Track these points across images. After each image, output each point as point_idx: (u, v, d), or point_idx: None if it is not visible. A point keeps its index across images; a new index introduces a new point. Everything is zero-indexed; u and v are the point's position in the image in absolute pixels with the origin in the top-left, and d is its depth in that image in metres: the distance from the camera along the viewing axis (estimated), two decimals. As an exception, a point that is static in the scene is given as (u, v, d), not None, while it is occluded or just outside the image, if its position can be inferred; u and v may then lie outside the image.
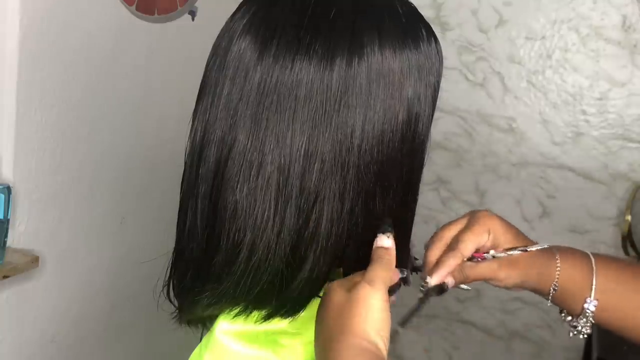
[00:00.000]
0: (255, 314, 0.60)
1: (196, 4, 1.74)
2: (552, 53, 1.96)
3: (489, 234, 0.70)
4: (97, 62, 1.46)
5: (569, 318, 0.77)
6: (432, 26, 0.61)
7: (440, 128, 2.06)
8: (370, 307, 0.54)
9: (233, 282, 0.57)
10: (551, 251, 0.74)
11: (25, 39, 1.27)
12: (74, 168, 1.45)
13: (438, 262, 0.69)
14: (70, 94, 1.40)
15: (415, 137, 0.59)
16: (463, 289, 0.73)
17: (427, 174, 0.63)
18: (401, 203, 0.61)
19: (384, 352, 0.54)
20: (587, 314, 0.74)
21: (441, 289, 0.69)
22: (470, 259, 0.70)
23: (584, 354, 1.96)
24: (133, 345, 1.80)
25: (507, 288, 0.74)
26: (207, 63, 0.59)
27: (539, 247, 0.71)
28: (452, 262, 0.68)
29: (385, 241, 0.58)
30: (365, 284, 0.55)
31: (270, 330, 0.61)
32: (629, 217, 1.81)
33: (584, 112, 1.95)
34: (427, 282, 0.68)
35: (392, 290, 0.60)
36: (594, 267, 0.74)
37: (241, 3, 0.60)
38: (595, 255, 0.75)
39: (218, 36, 0.59)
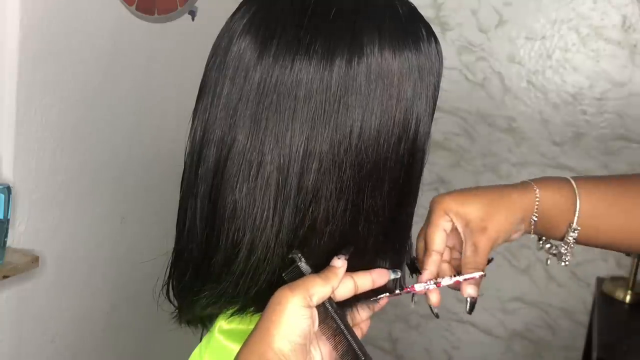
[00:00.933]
0: (254, 313, 0.60)
1: (196, 4, 1.74)
2: (552, 53, 1.96)
3: (449, 214, 0.69)
4: (97, 62, 1.46)
5: (548, 245, 0.75)
6: (432, 26, 0.61)
7: (440, 128, 2.06)
8: (282, 311, 0.53)
9: (232, 282, 0.58)
10: (527, 182, 0.72)
11: (25, 39, 1.27)
12: (74, 168, 1.46)
13: (422, 270, 0.68)
14: (70, 94, 1.40)
15: (415, 137, 0.59)
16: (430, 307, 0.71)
17: (427, 174, 0.63)
18: (400, 203, 0.61)
19: (291, 359, 0.52)
20: (569, 241, 0.72)
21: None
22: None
23: (584, 354, 1.96)
24: (133, 345, 1.80)
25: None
26: (206, 63, 0.60)
27: (474, 275, 0.68)
28: (429, 267, 0.68)
29: (337, 262, 0.56)
30: (285, 288, 0.54)
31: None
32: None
33: (584, 112, 1.95)
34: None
35: (380, 291, 0.60)
36: (576, 193, 0.71)
37: (241, 3, 0.60)
38: (577, 179, 0.73)
39: (218, 36, 0.59)
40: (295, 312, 0.53)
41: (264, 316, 0.54)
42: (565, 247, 0.73)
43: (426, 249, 0.69)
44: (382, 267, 0.61)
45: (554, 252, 0.74)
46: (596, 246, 0.76)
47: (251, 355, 0.53)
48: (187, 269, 0.61)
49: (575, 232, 0.71)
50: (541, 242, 0.76)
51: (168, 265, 0.63)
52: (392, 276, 0.61)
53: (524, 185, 0.72)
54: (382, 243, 0.60)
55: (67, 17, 1.35)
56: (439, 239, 0.69)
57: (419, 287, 0.67)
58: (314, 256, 0.57)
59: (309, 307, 0.54)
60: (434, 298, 0.69)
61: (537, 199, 0.71)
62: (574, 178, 0.73)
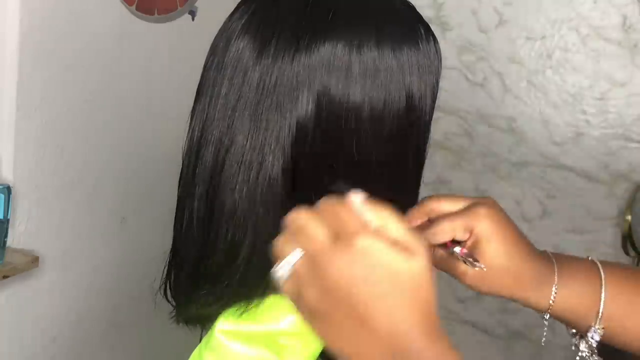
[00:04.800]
0: (254, 312, 0.60)
1: (196, 4, 1.74)
2: (552, 53, 1.96)
3: (471, 233, 0.61)
4: (97, 62, 1.46)
5: (573, 331, 0.67)
6: (432, 26, 0.61)
7: (440, 128, 2.06)
8: (417, 289, 0.44)
9: (231, 283, 0.58)
10: (549, 270, 0.63)
11: (25, 39, 1.27)
12: (74, 168, 1.46)
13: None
14: (70, 94, 1.40)
15: (415, 137, 0.59)
16: None
17: (427, 174, 0.62)
18: (401, 202, 0.61)
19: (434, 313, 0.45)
20: (590, 342, 0.64)
21: None
22: (443, 244, 0.62)
23: (584, 354, 1.96)
24: (134, 345, 1.80)
25: (481, 292, 0.64)
26: (205, 63, 0.59)
27: (479, 267, 0.61)
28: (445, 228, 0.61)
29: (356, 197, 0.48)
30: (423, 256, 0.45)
31: (270, 331, 0.61)
32: (629, 217, 1.81)
33: (584, 112, 1.95)
34: None
35: None
36: (602, 291, 0.62)
37: (239, 3, 0.60)
38: (606, 267, 0.64)
39: (216, 36, 0.59)
40: (427, 284, 0.45)
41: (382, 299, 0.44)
42: (587, 350, 0.64)
43: (427, 227, 0.62)
44: None
45: (577, 342, 0.65)
46: (623, 348, 0.65)
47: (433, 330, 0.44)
48: (184, 269, 0.61)
49: (597, 333, 0.63)
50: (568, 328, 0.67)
51: (165, 265, 0.63)
52: None
53: (545, 270, 0.63)
54: None
55: (67, 17, 1.35)
56: (447, 237, 0.62)
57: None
58: None
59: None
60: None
61: (552, 302, 0.63)
62: (603, 265, 0.64)
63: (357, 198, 0.47)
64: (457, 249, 0.62)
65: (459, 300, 2.16)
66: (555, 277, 0.63)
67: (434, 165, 2.08)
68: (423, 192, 0.63)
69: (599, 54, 1.91)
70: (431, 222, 0.62)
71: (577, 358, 0.65)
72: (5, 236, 1.28)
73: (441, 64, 0.61)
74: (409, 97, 0.58)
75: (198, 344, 0.65)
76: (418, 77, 0.58)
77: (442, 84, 0.62)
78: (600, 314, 0.62)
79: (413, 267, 0.45)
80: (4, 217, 1.26)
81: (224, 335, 0.61)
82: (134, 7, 1.52)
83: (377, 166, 0.57)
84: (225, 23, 0.59)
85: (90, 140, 1.49)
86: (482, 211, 0.61)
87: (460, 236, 0.62)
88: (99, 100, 1.49)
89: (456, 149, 2.09)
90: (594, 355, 0.64)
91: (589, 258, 0.68)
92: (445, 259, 0.63)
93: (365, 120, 0.56)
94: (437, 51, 0.60)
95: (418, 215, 0.63)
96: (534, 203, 2.02)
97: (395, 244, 0.45)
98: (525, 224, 2.02)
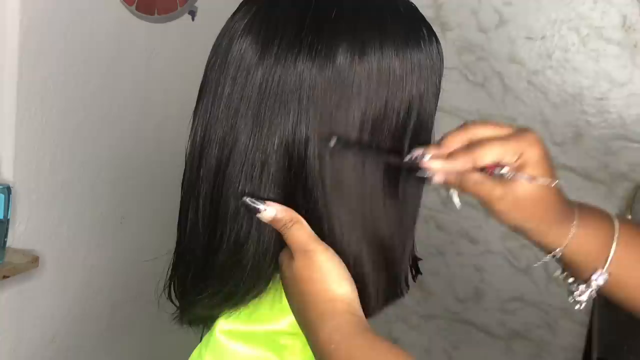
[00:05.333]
0: (254, 313, 0.60)
1: (196, 4, 1.74)
2: (552, 53, 1.96)
3: (519, 157, 0.59)
4: (97, 62, 1.46)
5: (571, 280, 0.68)
6: (432, 26, 0.61)
7: (440, 128, 2.05)
8: (320, 266, 0.54)
9: (236, 283, 0.58)
10: (571, 210, 0.64)
11: (25, 39, 1.27)
12: (74, 168, 1.46)
13: (449, 155, 0.59)
14: (70, 94, 1.40)
15: (416, 137, 0.59)
16: (452, 198, 0.63)
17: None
18: (405, 201, 0.61)
19: (354, 294, 0.55)
20: (592, 286, 0.65)
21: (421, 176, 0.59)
22: (481, 168, 0.60)
23: (584, 354, 1.96)
24: (133, 345, 1.80)
25: (501, 222, 0.63)
26: (207, 63, 0.59)
27: (546, 182, 0.60)
28: (458, 165, 0.58)
29: (267, 213, 0.55)
30: (298, 254, 0.55)
31: (270, 331, 0.61)
32: (629, 217, 1.80)
33: (584, 112, 1.95)
34: (420, 162, 0.58)
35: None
36: (615, 237, 0.64)
37: (242, 2, 0.59)
38: (622, 221, 0.65)
39: (218, 36, 0.59)
40: (328, 259, 0.55)
41: (308, 281, 0.54)
42: (589, 290, 0.66)
43: (472, 149, 0.59)
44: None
45: (574, 289, 0.67)
46: (620, 302, 0.69)
47: (320, 319, 0.53)
48: (189, 269, 0.61)
49: (602, 277, 0.65)
50: (563, 275, 0.70)
51: (170, 266, 0.63)
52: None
53: (568, 212, 0.65)
54: (385, 243, 0.60)
55: (67, 17, 1.35)
56: (492, 158, 0.58)
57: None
58: None
59: (326, 248, 0.55)
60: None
61: (571, 238, 0.64)
62: (619, 219, 0.66)
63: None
64: (505, 170, 0.59)
65: (459, 300, 2.16)
66: (576, 216, 0.64)
67: (434, 165, 2.08)
68: (423, 192, 0.63)
69: (599, 54, 1.91)
70: (470, 147, 0.60)
71: (571, 299, 0.67)
72: (5, 236, 1.28)
73: (443, 64, 0.61)
74: (412, 97, 0.58)
75: (197, 344, 0.65)
76: (421, 78, 0.58)
77: (442, 84, 0.62)
78: (610, 258, 0.64)
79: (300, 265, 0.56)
80: (4, 217, 1.26)
81: (224, 335, 0.62)
82: (133, 7, 1.52)
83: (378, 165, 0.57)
84: (227, 23, 0.59)
85: (89, 140, 1.49)
86: (533, 137, 0.61)
87: (508, 159, 0.59)
88: (99, 100, 1.49)
89: (456, 149, 2.08)
90: (585, 296, 0.66)
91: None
92: (479, 184, 0.60)
93: (368, 121, 0.56)
94: (440, 52, 0.60)
95: (459, 139, 0.60)
96: (534, 203, 2.02)
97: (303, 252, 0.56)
98: (525, 224, 2.02)
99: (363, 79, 0.55)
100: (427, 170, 0.58)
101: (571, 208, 0.65)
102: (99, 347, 1.67)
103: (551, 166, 0.62)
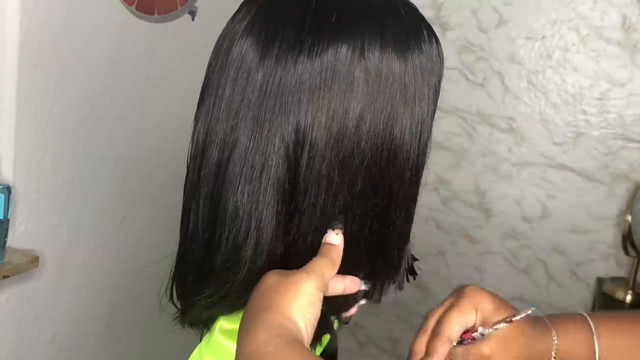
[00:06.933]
0: None
1: (196, 4, 1.74)
2: (552, 53, 1.96)
3: (477, 312, 0.66)
4: (97, 62, 1.46)
5: None
6: (432, 26, 0.61)
7: (440, 128, 2.06)
8: (300, 290, 0.52)
9: (236, 284, 0.57)
10: (545, 323, 0.70)
11: (25, 39, 1.27)
12: (74, 168, 1.45)
13: (427, 351, 0.65)
14: (70, 94, 1.40)
15: (417, 137, 0.59)
16: None
17: (427, 174, 0.62)
18: (402, 203, 0.60)
19: (304, 335, 0.51)
20: None
21: None
22: (459, 342, 0.66)
23: (584, 354, 1.96)
24: (133, 345, 1.80)
25: None
26: (208, 64, 0.59)
27: (523, 315, 0.67)
28: (441, 350, 0.64)
29: (334, 238, 0.56)
30: (302, 272, 0.54)
31: (270, 331, 0.61)
32: (629, 217, 1.80)
33: (584, 112, 1.95)
34: None
35: (352, 299, 0.60)
36: (594, 334, 0.69)
37: (242, 3, 0.59)
38: (593, 316, 0.71)
39: (219, 37, 0.59)
40: (312, 293, 0.53)
41: (276, 292, 0.53)
42: None
43: (438, 332, 0.66)
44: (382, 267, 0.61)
45: None
46: None
47: (267, 324, 0.51)
48: (189, 271, 0.60)
49: None
50: None
51: (172, 267, 0.63)
52: (363, 287, 0.60)
53: (543, 326, 0.70)
54: (384, 244, 0.60)
55: (67, 17, 1.35)
56: (457, 327, 0.66)
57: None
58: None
59: (322, 291, 0.54)
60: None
61: (555, 347, 0.69)
62: (592, 318, 0.71)
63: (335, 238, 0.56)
64: (480, 330, 0.65)
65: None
66: (551, 327, 0.70)
67: (434, 165, 2.08)
68: (423, 192, 0.63)
69: (599, 54, 1.91)
70: (436, 332, 0.66)
71: None
72: (5, 236, 1.27)
73: (443, 64, 0.61)
74: (412, 98, 0.58)
75: (197, 344, 0.65)
76: (421, 79, 0.58)
77: (442, 84, 0.62)
78: (597, 355, 0.69)
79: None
80: (4, 217, 1.26)
81: (224, 335, 0.61)
82: (133, 7, 1.52)
83: (380, 165, 0.57)
84: (228, 24, 0.59)
85: (90, 140, 1.49)
86: (472, 289, 0.68)
87: (470, 320, 0.66)
88: (98, 100, 1.49)
89: (456, 149, 2.09)
90: None
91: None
92: (467, 356, 0.67)
93: (367, 122, 0.56)
94: (440, 53, 0.60)
95: (425, 335, 0.67)
96: (534, 203, 2.02)
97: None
98: (525, 224, 2.02)
99: (363, 80, 0.55)
100: None
101: (543, 320, 0.70)
102: (99, 347, 1.67)
103: (505, 300, 0.69)
